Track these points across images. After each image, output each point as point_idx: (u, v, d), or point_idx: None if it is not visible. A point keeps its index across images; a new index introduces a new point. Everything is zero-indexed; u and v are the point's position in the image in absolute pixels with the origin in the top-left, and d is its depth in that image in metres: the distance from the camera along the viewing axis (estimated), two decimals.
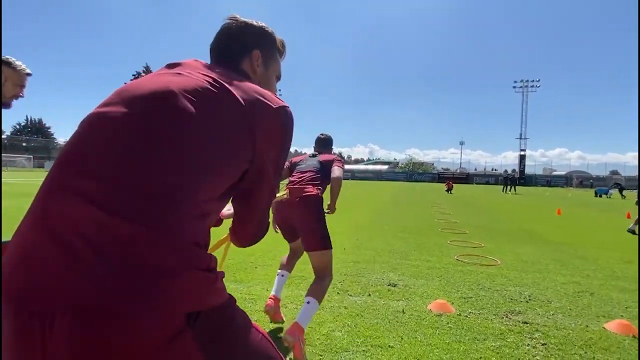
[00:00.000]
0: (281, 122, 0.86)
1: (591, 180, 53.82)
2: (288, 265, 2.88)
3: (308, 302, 2.37)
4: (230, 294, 0.77)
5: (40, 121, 76.50)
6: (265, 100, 0.85)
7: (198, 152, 0.74)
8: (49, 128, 77.48)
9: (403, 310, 3.03)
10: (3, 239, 1.44)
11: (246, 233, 0.97)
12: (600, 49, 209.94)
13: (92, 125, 0.76)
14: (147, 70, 63.92)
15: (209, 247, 1.12)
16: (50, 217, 0.67)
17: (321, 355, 2.27)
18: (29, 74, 2.02)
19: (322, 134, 3.10)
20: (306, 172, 2.71)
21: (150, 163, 0.70)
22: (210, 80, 0.82)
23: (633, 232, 8.10)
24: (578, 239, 7.08)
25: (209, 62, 0.98)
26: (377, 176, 63.63)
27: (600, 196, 27.35)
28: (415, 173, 65.94)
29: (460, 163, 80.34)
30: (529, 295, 3.54)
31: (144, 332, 0.61)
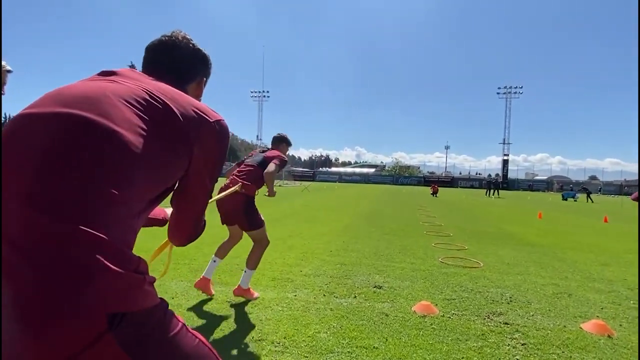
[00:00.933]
0: (217, 134, 0.90)
1: (571, 185, 55.29)
2: (222, 252, 3.35)
3: (245, 271, 3.19)
4: (162, 298, 0.74)
5: None
6: (203, 114, 0.88)
7: (131, 156, 0.74)
8: None
9: (388, 312, 3.07)
10: None
11: (182, 232, 1.00)
12: (582, 59, 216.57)
13: (22, 126, 0.75)
14: (132, 67, 62.73)
15: (153, 254, 1.13)
16: None
17: (307, 357, 2.28)
18: (9, 71, 1.98)
19: (277, 134, 3.49)
20: (248, 166, 3.21)
21: (81, 164, 0.69)
22: (148, 91, 0.83)
23: None
24: (557, 241, 7.28)
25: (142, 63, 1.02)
26: (364, 179, 63.98)
27: (566, 199, 28.13)
28: (401, 176, 66.60)
29: (446, 167, 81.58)
30: (510, 297, 3.63)
31: (64, 335, 0.60)
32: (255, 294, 3.24)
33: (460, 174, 72.57)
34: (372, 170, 78.89)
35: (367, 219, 9.75)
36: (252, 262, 3.22)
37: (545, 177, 63.66)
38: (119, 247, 0.67)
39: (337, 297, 3.39)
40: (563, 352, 2.51)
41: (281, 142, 3.46)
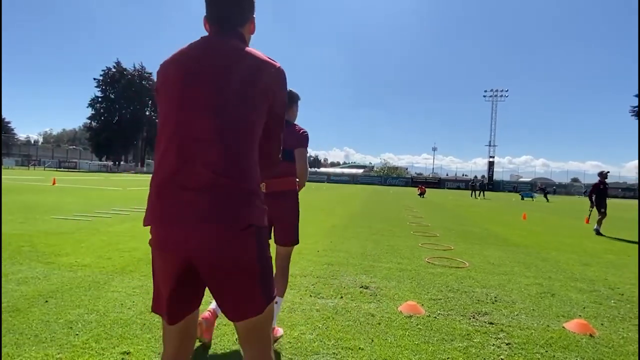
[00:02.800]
0: (281, 79, 1.20)
1: (554, 187, 56.54)
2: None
3: (276, 302, 2.28)
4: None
5: None
6: (269, 63, 1.17)
7: (252, 122, 1.12)
8: (8, 123, 73.05)
9: (374, 313, 3.05)
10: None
11: (271, 158, 1.30)
12: (566, 64, 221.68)
13: (181, 103, 1.11)
14: (118, 65, 61.49)
15: None
16: (174, 172, 1.07)
17: (291, 359, 2.24)
18: None
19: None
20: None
21: (235, 131, 1.09)
22: (235, 53, 1.14)
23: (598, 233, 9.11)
24: (541, 242, 7.41)
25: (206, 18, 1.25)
26: (353, 179, 64.15)
27: (523, 199, 29.93)
28: (389, 177, 67.02)
29: (433, 168, 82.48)
30: (495, 297, 3.66)
31: (238, 226, 1.07)
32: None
33: (447, 175, 73.47)
34: (361, 170, 79.27)
35: (355, 219, 9.75)
36: (283, 288, 2.55)
37: (530, 179, 64.95)
38: (258, 187, 1.14)
39: (323, 298, 3.36)
40: (546, 351, 2.53)
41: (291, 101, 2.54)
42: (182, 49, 1.19)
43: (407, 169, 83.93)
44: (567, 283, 4.33)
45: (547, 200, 29.68)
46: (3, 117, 72.25)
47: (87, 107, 60.66)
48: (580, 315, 3.24)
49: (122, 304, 2.91)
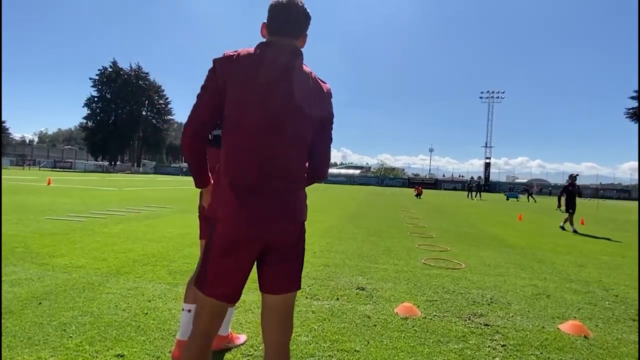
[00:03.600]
0: (331, 98, 1.48)
1: (550, 188, 56.84)
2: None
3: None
4: None
5: None
6: (323, 84, 1.45)
7: (308, 136, 1.40)
8: (3, 122, 72.47)
9: (370, 314, 3.04)
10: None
11: (327, 161, 1.59)
12: (562, 66, 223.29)
13: (266, 126, 1.32)
14: (115, 65, 61.21)
15: None
16: (255, 183, 1.32)
17: None
18: None
19: None
20: None
21: (294, 147, 1.38)
22: (308, 82, 1.38)
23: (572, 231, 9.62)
24: (537, 243, 7.44)
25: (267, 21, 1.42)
26: (350, 180, 64.23)
27: (508, 199, 30.63)
28: (386, 178, 67.12)
29: (430, 169, 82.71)
30: (491, 298, 3.67)
31: (298, 220, 1.42)
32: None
33: (443, 176, 73.62)
34: (358, 171, 79.34)
35: (352, 220, 9.75)
36: None
37: (525, 180, 65.21)
38: (305, 193, 1.48)
39: (319, 300, 3.35)
40: (541, 353, 2.54)
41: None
42: (256, 58, 1.31)
43: (404, 169, 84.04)
44: (562, 284, 4.35)
45: (534, 200, 30.00)
46: None
47: (83, 106, 60.41)
48: (575, 317, 3.26)
49: (116, 306, 2.89)
